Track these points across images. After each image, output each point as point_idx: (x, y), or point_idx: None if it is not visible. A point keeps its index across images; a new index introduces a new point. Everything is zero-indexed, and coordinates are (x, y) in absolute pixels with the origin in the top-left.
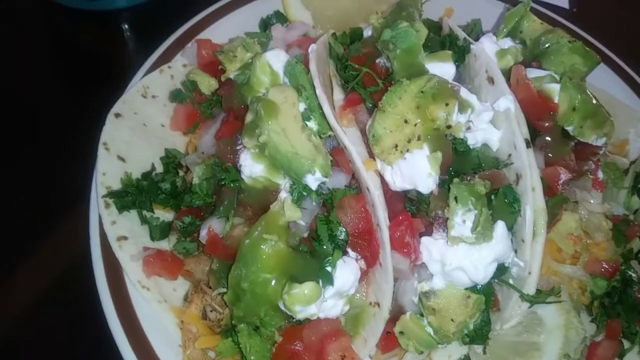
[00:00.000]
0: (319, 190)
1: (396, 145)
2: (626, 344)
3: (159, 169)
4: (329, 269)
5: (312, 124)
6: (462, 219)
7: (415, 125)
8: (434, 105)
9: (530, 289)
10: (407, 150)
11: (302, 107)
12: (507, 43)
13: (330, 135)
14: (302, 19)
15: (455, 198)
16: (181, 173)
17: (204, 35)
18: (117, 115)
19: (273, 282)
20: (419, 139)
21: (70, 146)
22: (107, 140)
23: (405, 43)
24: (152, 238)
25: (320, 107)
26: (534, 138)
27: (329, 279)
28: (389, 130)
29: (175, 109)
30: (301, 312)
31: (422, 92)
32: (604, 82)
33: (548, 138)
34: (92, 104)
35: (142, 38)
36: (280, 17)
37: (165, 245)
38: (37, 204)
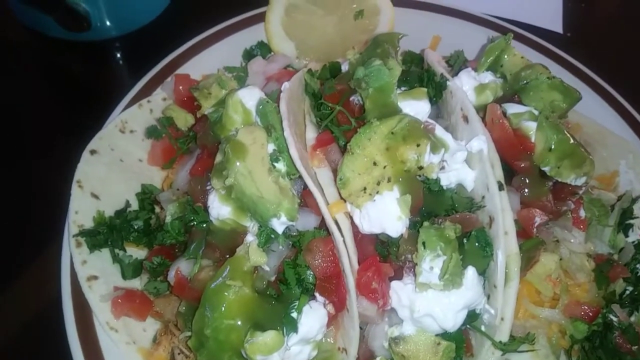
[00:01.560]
0: (288, 232)
1: (365, 188)
2: None
3: (135, 205)
4: (294, 314)
5: (281, 165)
6: (430, 266)
7: (385, 167)
8: (404, 146)
9: (503, 336)
10: (377, 193)
11: (271, 147)
12: (488, 77)
13: (300, 176)
14: (285, 50)
15: (424, 244)
16: (157, 209)
17: (187, 67)
18: (93, 152)
19: (237, 329)
20: (389, 180)
21: (51, 181)
22: (80, 178)
23: (377, 82)
24: (124, 277)
25: None
26: (511, 177)
27: (293, 327)
28: (358, 172)
29: (153, 144)
30: None
31: (392, 133)
32: (595, 111)
33: (525, 178)
34: (80, 136)
35: (135, 66)
36: (264, 48)
37: (138, 284)
38: (11, 243)
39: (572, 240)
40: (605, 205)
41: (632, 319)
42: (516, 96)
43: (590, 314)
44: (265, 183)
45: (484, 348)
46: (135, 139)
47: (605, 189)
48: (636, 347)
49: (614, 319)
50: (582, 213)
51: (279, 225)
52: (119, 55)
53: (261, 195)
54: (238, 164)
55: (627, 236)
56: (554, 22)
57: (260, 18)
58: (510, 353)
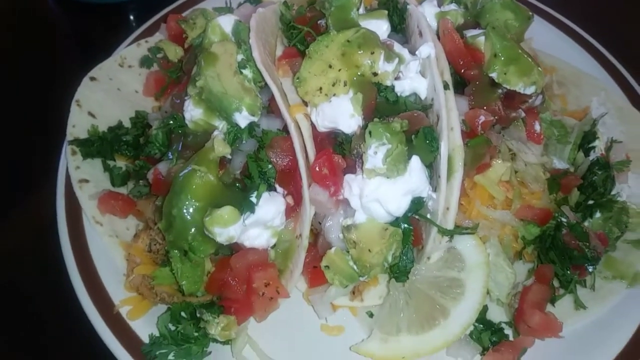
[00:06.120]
0: (253, 132)
1: (320, 88)
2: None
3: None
4: (254, 200)
5: (248, 72)
6: (375, 151)
7: (340, 70)
8: (359, 53)
9: (449, 225)
10: (334, 95)
11: (240, 57)
12: (451, 7)
13: (266, 85)
14: None
15: (370, 132)
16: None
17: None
18: (92, 78)
19: (200, 209)
20: (345, 84)
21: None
22: (80, 98)
23: (339, 0)
24: (113, 184)
25: None
26: (463, 87)
27: (250, 207)
28: (314, 74)
29: (147, 75)
30: (221, 234)
31: (348, 41)
32: (575, 58)
33: (475, 86)
34: None
35: None
36: None
37: (124, 191)
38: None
39: (526, 152)
40: (566, 127)
41: (586, 224)
42: (478, 26)
43: (542, 216)
44: (230, 82)
45: (430, 237)
46: (132, 73)
47: None
48: (584, 243)
49: (564, 220)
50: (537, 127)
51: (241, 119)
52: (134, 16)
53: (225, 92)
54: (208, 69)
55: (587, 156)
56: None
57: None
58: (456, 241)
